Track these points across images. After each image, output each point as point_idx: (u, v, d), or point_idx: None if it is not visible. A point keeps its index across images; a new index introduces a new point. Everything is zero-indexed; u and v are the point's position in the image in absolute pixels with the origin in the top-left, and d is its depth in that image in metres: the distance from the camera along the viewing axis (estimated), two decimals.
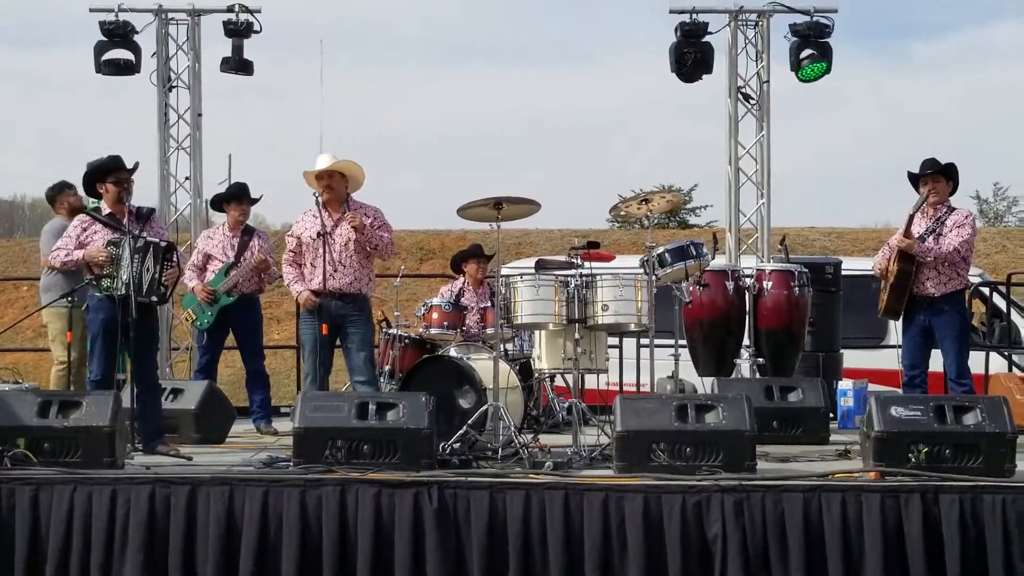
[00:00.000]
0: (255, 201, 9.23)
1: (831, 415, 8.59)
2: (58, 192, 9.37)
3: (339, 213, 7.87)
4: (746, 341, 9.03)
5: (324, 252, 7.70)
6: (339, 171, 7.89)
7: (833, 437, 8.11)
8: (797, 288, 8.93)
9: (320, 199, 7.80)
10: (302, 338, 8.08)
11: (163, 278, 7.23)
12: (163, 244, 7.30)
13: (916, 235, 8.06)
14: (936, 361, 8.24)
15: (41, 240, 9.30)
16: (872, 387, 9.17)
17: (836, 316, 9.91)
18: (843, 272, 10.03)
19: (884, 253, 8.30)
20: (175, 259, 7.37)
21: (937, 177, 8.12)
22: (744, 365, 9.10)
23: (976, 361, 9.04)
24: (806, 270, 9.11)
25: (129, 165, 7.46)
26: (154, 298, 7.25)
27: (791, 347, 9.00)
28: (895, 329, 8.79)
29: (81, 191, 8.22)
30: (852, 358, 10.32)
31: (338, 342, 7.98)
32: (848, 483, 5.92)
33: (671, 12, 10.68)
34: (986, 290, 11.66)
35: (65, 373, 8.79)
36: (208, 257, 9.01)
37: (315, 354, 7.82)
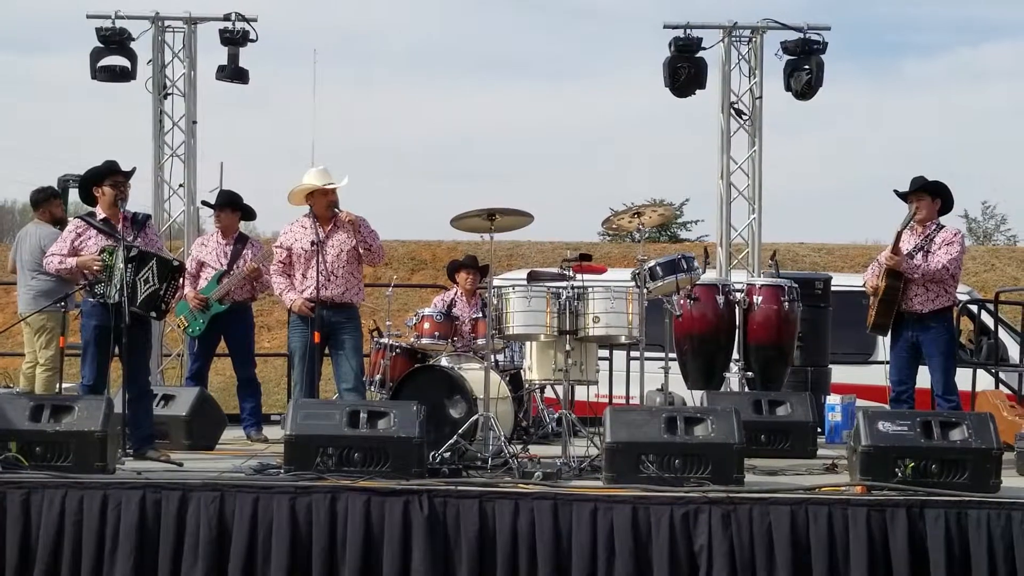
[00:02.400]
0: (244, 211, 9.23)
1: (819, 429, 8.63)
2: (45, 199, 9.43)
3: (330, 225, 7.90)
4: (735, 355, 9.07)
5: (318, 262, 7.72)
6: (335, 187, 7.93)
7: (820, 451, 8.14)
8: (787, 303, 8.98)
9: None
10: (291, 346, 8.08)
11: (167, 296, 7.25)
12: (175, 263, 7.33)
13: (905, 252, 8.11)
14: (923, 377, 8.29)
15: (25, 245, 9.31)
16: (860, 402, 9.21)
17: (825, 331, 9.96)
18: (832, 288, 10.08)
19: (873, 269, 8.35)
20: (181, 279, 7.40)
21: (922, 195, 8.17)
22: (733, 379, 9.15)
23: (963, 378, 9.09)
24: (796, 285, 9.16)
25: (126, 170, 7.50)
26: (153, 313, 7.29)
27: (780, 361, 9.05)
28: (883, 345, 8.84)
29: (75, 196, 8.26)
30: (840, 373, 10.36)
31: (327, 350, 8.00)
32: (835, 497, 5.96)
33: (665, 27, 10.77)
34: (974, 307, 11.72)
35: (53, 376, 8.82)
36: (202, 264, 9.04)
37: (304, 362, 7.84)
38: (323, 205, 7.86)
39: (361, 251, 7.89)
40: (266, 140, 59.93)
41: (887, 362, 8.45)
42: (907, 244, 8.17)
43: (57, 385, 8.24)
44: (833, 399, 9.22)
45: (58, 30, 68.27)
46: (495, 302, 7.35)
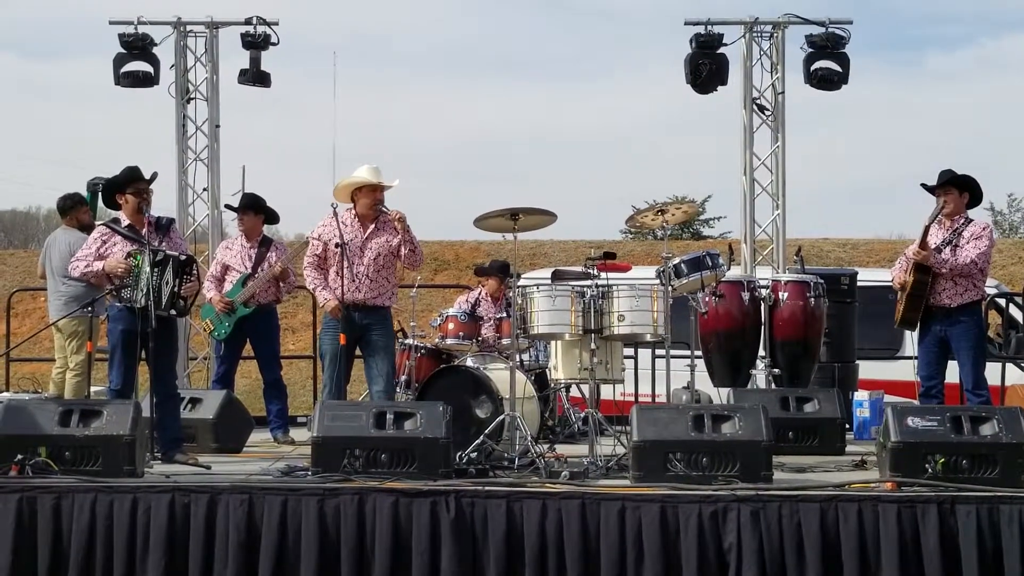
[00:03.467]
0: (267, 214, 9.25)
1: (847, 426, 8.58)
2: (72, 206, 9.47)
3: (372, 225, 7.88)
4: (762, 352, 9.04)
5: (342, 263, 7.69)
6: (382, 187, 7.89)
7: (849, 448, 8.11)
8: (813, 299, 8.94)
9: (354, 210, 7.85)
10: (323, 348, 8.07)
11: (182, 291, 7.29)
12: (183, 258, 7.36)
13: (933, 246, 8.05)
14: (952, 372, 8.23)
15: (55, 251, 9.36)
16: (888, 398, 9.16)
17: (852, 327, 9.91)
18: (858, 283, 10.04)
19: (901, 264, 8.30)
20: (195, 272, 7.43)
21: (950, 188, 8.11)
22: (760, 376, 9.11)
23: (993, 372, 9.03)
24: (822, 281, 9.12)
25: (147, 176, 7.53)
26: (173, 311, 7.32)
27: (807, 358, 9.00)
28: (911, 340, 8.79)
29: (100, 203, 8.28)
30: (868, 369, 10.31)
31: (358, 352, 8.00)
32: (865, 493, 5.92)
33: (686, 23, 10.75)
34: (1002, 301, 11.64)
35: (83, 381, 8.87)
36: (226, 268, 9.06)
37: (335, 364, 7.83)
38: (368, 203, 7.83)
39: (404, 251, 7.83)
40: (288, 143, 60.15)
41: (915, 357, 8.40)
42: (935, 238, 8.11)
43: (87, 389, 8.28)
44: (861, 395, 9.17)
45: (81, 36, 68.52)
46: (520, 302, 7.34)
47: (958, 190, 8.12)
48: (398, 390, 8.66)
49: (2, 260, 25.42)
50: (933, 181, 8.16)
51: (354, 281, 7.75)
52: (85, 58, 68.50)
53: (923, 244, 8.02)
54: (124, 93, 10.77)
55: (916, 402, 8.29)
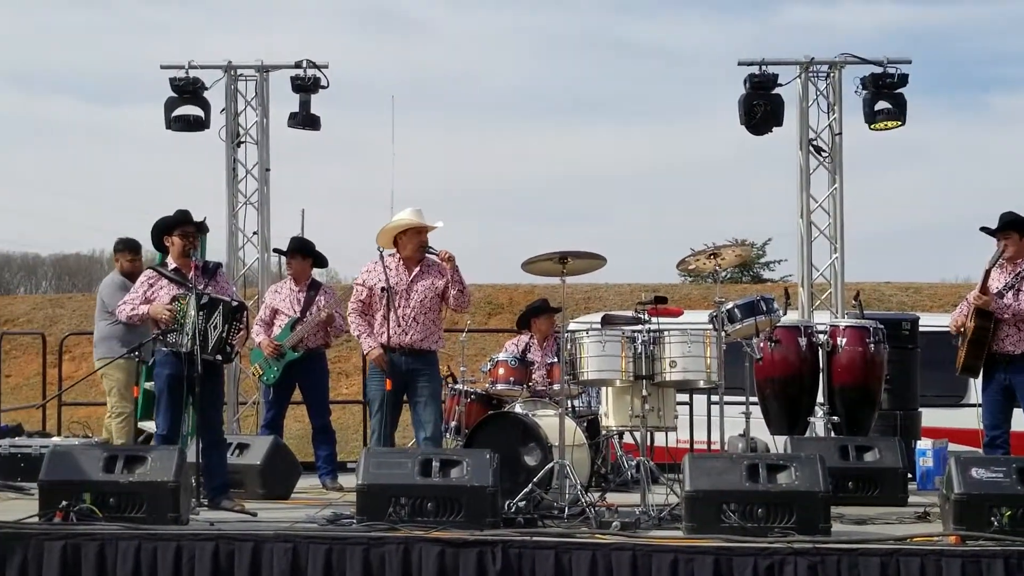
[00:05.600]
0: (316, 258, 9.21)
1: (909, 476, 8.36)
2: (116, 251, 9.64)
3: (417, 268, 7.82)
4: (820, 399, 8.85)
5: (388, 309, 7.62)
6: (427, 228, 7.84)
7: (912, 499, 7.88)
8: (873, 345, 8.75)
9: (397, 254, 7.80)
10: (370, 394, 8.00)
11: (231, 338, 7.24)
12: (234, 303, 7.33)
13: (994, 290, 7.86)
14: (1019, 421, 7.99)
15: (103, 292, 9.46)
16: (952, 447, 8.91)
17: (914, 373, 9.70)
18: (921, 328, 9.83)
19: (962, 309, 8.11)
20: (244, 319, 7.39)
21: (1009, 232, 7.91)
22: (818, 423, 8.92)
23: None
24: (882, 326, 8.92)
25: (197, 219, 7.53)
26: (219, 357, 7.27)
27: (867, 405, 8.80)
28: (976, 387, 8.56)
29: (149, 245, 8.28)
30: (931, 417, 10.08)
31: (405, 397, 7.91)
32: (927, 547, 5.75)
33: (740, 64, 10.62)
34: None
35: (128, 425, 8.89)
36: (276, 312, 9.03)
37: (382, 411, 7.74)
38: (413, 246, 7.79)
39: (452, 292, 7.77)
40: (346, 187, 60.54)
41: (980, 405, 8.18)
42: (997, 283, 7.92)
43: (126, 430, 8.30)
44: (924, 444, 8.95)
45: (134, 81, 69.45)
46: (569, 347, 7.21)
47: (1018, 233, 7.92)
48: (447, 436, 8.55)
49: (60, 304, 25.73)
50: (996, 224, 7.98)
51: (400, 324, 7.67)
52: (139, 102, 69.61)
53: (984, 288, 7.83)
54: (176, 137, 10.81)
55: (981, 452, 8.06)
